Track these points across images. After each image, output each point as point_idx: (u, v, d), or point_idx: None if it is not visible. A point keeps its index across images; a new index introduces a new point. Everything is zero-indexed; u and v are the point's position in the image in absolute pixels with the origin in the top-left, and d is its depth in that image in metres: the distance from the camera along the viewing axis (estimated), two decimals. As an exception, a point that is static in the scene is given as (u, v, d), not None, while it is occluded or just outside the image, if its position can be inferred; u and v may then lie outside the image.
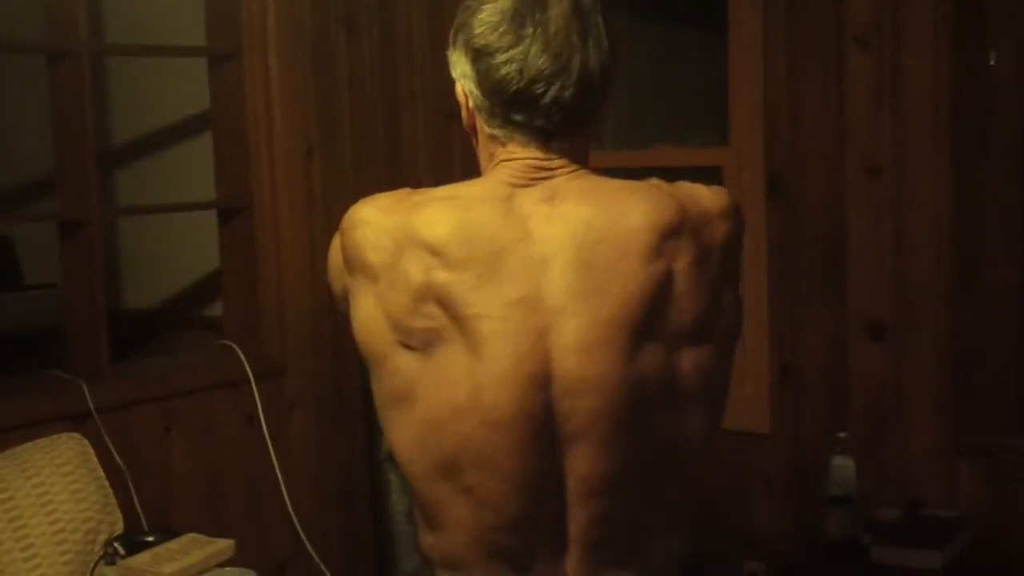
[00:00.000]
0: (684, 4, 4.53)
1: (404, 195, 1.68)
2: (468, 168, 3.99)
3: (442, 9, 4.01)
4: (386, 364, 1.61)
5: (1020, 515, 3.17)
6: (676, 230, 1.59)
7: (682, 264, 1.58)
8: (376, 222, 1.63)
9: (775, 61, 3.45)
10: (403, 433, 1.63)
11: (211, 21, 3.74)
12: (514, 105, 1.62)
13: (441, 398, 1.57)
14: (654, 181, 1.67)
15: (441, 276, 1.56)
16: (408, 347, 1.58)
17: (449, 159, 4.08)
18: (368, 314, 1.62)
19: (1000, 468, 3.20)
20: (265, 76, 3.71)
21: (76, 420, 3.19)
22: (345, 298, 1.70)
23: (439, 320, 1.56)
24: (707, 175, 3.53)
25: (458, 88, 1.69)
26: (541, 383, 1.55)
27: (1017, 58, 3.16)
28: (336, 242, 1.71)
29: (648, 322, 1.56)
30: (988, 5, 3.18)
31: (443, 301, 1.56)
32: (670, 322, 1.58)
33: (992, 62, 3.15)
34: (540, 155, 1.64)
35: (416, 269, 1.57)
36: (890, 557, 3.07)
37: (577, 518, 1.62)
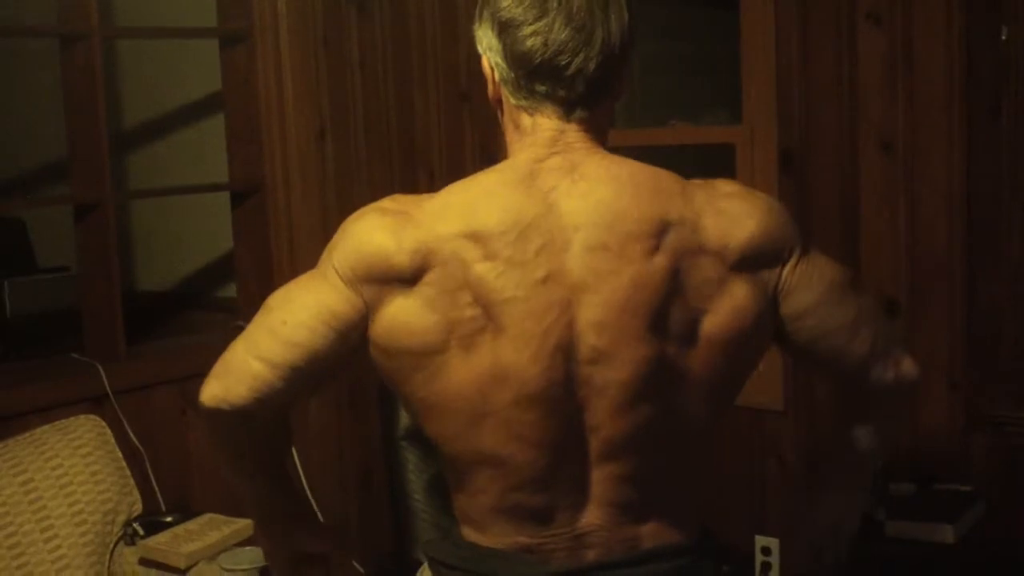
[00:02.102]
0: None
1: (411, 201, 1.68)
2: (480, 148, 4.02)
3: (453, -11, 4.02)
4: (427, 369, 1.63)
5: (1033, 489, 3.18)
6: (681, 220, 1.62)
7: (689, 261, 1.62)
8: (393, 224, 1.64)
9: (787, 38, 3.44)
10: (434, 417, 1.68)
11: (222, 2, 3.74)
12: (538, 76, 1.66)
13: (472, 381, 1.61)
14: (674, 174, 1.69)
15: (475, 266, 1.59)
16: (452, 346, 1.61)
17: (460, 139, 4.08)
18: (407, 318, 1.62)
19: (1014, 442, 3.21)
20: (276, 57, 3.71)
21: (93, 402, 3.21)
22: (355, 314, 1.65)
23: (475, 312, 1.59)
24: (720, 153, 3.55)
25: (484, 62, 1.72)
26: (566, 354, 1.60)
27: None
28: (352, 255, 1.66)
29: (657, 310, 1.60)
30: (1000, -19, 3.18)
31: (478, 292, 1.59)
32: (677, 316, 1.61)
33: (1004, 37, 3.14)
34: (562, 125, 1.68)
35: (451, 263, 1.60)
36: (903, 531, 3.08)
37: (598, 477, 1.68)
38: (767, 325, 1.69)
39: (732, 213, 1.65)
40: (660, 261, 1.60)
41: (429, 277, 1.60)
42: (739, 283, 1.64)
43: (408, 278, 1.61)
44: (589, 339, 1.60)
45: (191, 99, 4.24)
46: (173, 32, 4.00)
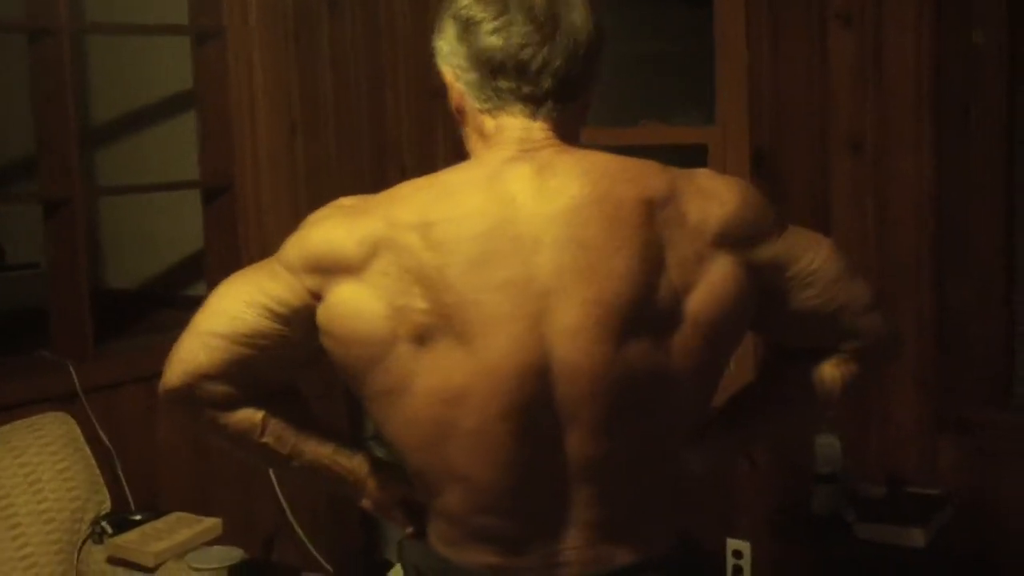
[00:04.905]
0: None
1: (370, 197, 1.64)
2: (451, 146, 4.00)
3: (424, -14, 4.02)
4: (380, 363, 1.56)
5: (1002, 492, 3.19)
6: (664, 202, 1.56)
7: (671, 238, 1.56)
8: (344, 218, 1.60)
9: (759, 39, 3.45)
10: (394, 426, 1.62)
11: (193, -1, 3.74)
12: (502, 72, 1.61)
13: (434, 390, 1.55)
14: (650, 160, 1.64)
15: (428, 259, 1.53)
16: (402, 339, 1.54)
17: (432, 137, 4.08)
18: (354, 304, 1.56)
19: (983, 445, 3.22)
20: (248, 54, 3.70)
21: (62, 400, 3.19)
22: (295, 300, 1.61)
23: (429, 306, 1.52)
24: (692, 153, 3.56)
25: (446, 73, 1.68)
26: (537, 372, 1.53)
27: (1000, 36, 3.17)
28: (298, 246, 1.63)
29: (638, 303, 1.53)
30: (971, -18, 3.19)
31: (432, 287, 1.52)
32: (660, 301, 1.55)
33: (977, 40, 3.16)
34: (530, 125, 1.63)
35: (403, 253, 1.54)
36: (873, 534, 3.09)
37: (576, 500, 1.62)
38: (748, 306, 1.64)
39: (712, 190, 1.61)
40: (646, 243, 1.54)
41: (377, 264, 1.54)
42: (720, 258, 1.59)
43: (356, 265, 1.55)
44: (561, 350, 1.53)
45: (162, 96, 4.22)
46: (144, 29, 3.98)
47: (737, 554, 3.57)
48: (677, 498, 1.74)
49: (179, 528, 3.04)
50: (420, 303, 1.53)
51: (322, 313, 1.60)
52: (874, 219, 3.31)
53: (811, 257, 1.68)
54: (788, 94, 3.43)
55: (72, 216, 3.35)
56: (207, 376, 1.65)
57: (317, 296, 1.60)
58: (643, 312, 1.54)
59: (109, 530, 2.99)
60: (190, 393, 1.67)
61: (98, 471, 3.08)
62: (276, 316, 1.62)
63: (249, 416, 1.72)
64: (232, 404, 1.70)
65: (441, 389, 1.54)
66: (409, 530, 1.82)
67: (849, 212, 3.35)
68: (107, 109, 4.38)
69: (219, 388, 1.67)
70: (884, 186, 3.29)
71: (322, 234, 1.60)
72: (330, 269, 1.58)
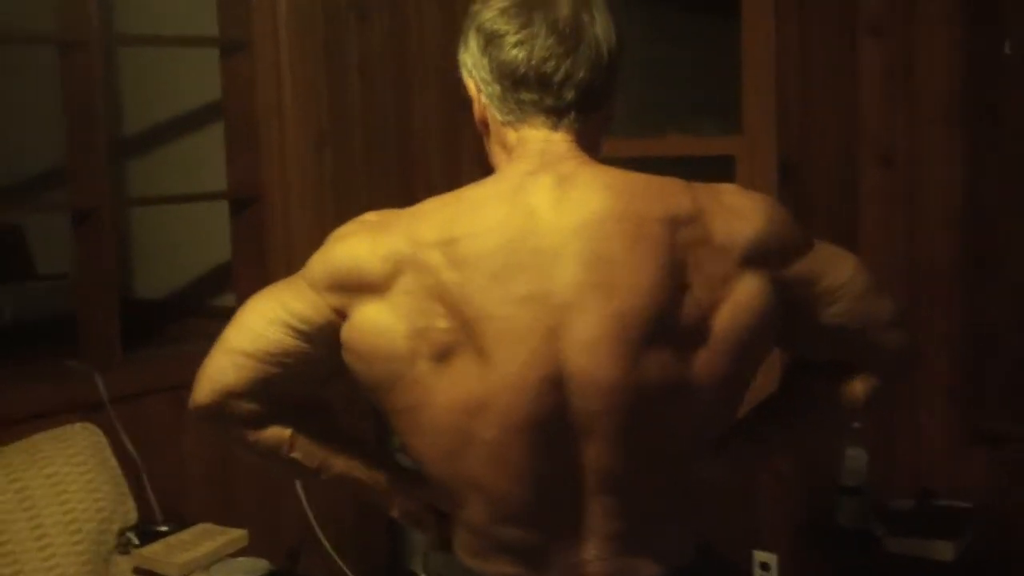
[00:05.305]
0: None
1: (394, 212, 1.64)
2: (477, 156, 4.00)
3: (453, -4, 4.02)
4: (402, 379, 1.57)
5: (1033, 505, 3.17)
6: (689, 220, 1.55)
7: (696, 257, 1.54)
8: (368, 235, 1.60)
9: (788, 49, 3.44)
10: (415, 438, 1.63)
11: (223, 11, 3.74)
12: (525, 85, 1.61)
13: (454, 402, 1.55)
14: (673, 178, 1.62)
15: (451, 277, 1.53)
16: (423, 357, 1.55)
17: (458, 147, 4.08)
18: (376, 324, 1.57)
19: (1013, 458, 3.20)
20: (276, 65, 3.70)
21: (89, 409, 3.20)
22: (319, 318, 1.62)
23: (450, 324, 1.53)
24: (719, 164, 3.55)
25: (470, 85, 1.69)
26: (554, 385, 1.53)
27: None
28: (322, 263, 1.64)
29: (659, 319, 1.52)
30: (1002, -7, 3.18)
31: (453, 304, 1.53)
32: (684, 318, 1.54)
33: (1007, 51, 3.14)
34: (551, 136, 1.63)
35: (425, 271, 1.54)
36: (903, 547, 3.08)
37: (594, 511, 1.62)
38: (774, 322, 1.62)
39: (738, 208, 1.59)
40: (669, 260, 1.52)
41: (401, 284, 1.55)
42: (747, 277, 1.57)
43: (379, 285, 1.56)
44: (578, 363, 1.52)
45: (190, 107, 4.23)
46: (173, 40, 4.00)
47: (764, 566, 3.55)
48: (698, 509, 1.74)
49: (205, 539, 3.04)
50: (441, 322, 1.53)
51: (346, 331, 1.61)
52: (904, 231, 3.29)
53: (837, 274, 1.67)
54: (817, 105, 3.41)
55: (101, 226, 3.36)
56: (235, 394, 1.67)
57: (341, 314, 1.61)
58: (664, 328, 1.53)
59: (135, 541, 2.99)
60: (220, 411, 1.69)
61: (124, 482, 3.08)
62: (299, 334, 1.63)
63: (277, 433, 1.75)
64: (261, 421, 1.73)
65: (460, 400, 1.55)
66: (437, 539, 1.82)
67: (878, 224, 3.33)
68: (137, 120, 4.41)
69: (247, 406, 1.69)
70: (914, 198, 3.27)
71: (346, 251, 1.60)
72: (354, 288, 1.58)
